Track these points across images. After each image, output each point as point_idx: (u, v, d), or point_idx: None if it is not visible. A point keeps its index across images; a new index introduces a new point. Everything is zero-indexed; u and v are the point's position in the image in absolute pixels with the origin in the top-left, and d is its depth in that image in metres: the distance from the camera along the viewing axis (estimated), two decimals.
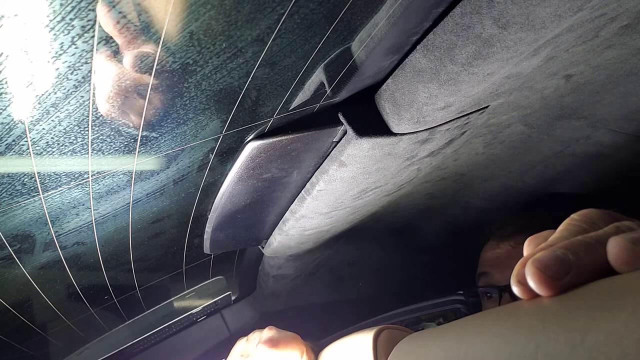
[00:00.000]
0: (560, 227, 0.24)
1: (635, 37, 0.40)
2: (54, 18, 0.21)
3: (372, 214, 0.74)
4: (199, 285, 0.72)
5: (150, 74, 0.27)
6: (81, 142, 0.30)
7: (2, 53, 0.22)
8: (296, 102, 0.40)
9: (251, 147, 0.42)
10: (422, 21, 0.36)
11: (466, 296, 0.72)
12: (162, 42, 0.25)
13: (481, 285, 0.72)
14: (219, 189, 0.48)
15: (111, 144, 0.32)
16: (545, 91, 0.48)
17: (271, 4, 0.26)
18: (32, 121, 0.26)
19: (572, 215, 0.25)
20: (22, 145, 0.27)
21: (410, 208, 0.82)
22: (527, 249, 0.26)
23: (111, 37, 0.23)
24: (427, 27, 0.37)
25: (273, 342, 0.56)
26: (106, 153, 0.32)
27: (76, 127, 0.28)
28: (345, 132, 0.45)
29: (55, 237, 0.38)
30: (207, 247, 0.60)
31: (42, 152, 0.29)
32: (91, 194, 0.36)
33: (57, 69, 0.24)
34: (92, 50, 0.24)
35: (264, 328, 0.60)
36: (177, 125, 0.34)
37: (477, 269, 0.76)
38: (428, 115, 0.42)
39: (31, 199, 0.32)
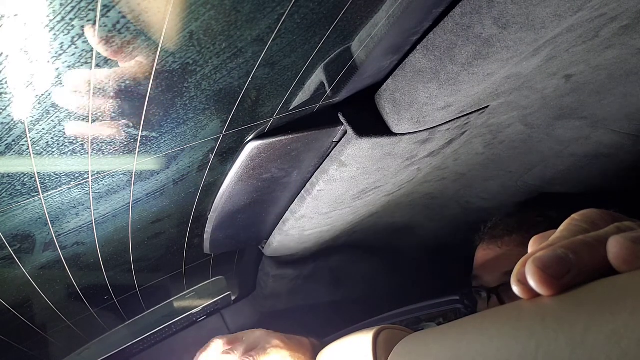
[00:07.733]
0: (561, 227, 0.24)
1: (635, 37, 0.40)
2: (54, 18, 0.21)
3: (372, 214, 0.74)
4: (199, 285, 0.72)
5: (150, 74, 0.27)
6: (81, 142, 0.30)
7: (2, 53, 0.22)
8: (296, 102, 0.40)
9: (251, 147, 0.42)
10: (422, 21, 0.36)
11: (461, 298, 0.73)
12: (162, 42, 0.25)
13: (473, 287, 0.73)
14: (219, 189, 0.48)
15: (111, 144, 0.32)
16: (545, 91, 0.48)
17: (271, 4, 0.26)
18: (32, 121, 0.26)
19: (573, 216, 0.25)
20: (22, 145, 0.27)
21: (410, 208, 0.82)
22: (530, 249, 0.26)
23: (111, 37, 0.23)
24: (427, 27, 0.37)
25: None
26: (106, 153, 0.32)
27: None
28: (345, 132, 0.45)
29: (55, 237, 0.38)
30: (207, 247, 0.60)
31: (42, 152, 0.29)
32: (91, 194, 0.36)
33: (57, 69, 0.24)
34: (92, 50, 0.24)
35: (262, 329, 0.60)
36: (177, 125, 0.34)
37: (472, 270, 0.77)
38: (428, 115, 0.42)
39: (31, 199, 0.32)
